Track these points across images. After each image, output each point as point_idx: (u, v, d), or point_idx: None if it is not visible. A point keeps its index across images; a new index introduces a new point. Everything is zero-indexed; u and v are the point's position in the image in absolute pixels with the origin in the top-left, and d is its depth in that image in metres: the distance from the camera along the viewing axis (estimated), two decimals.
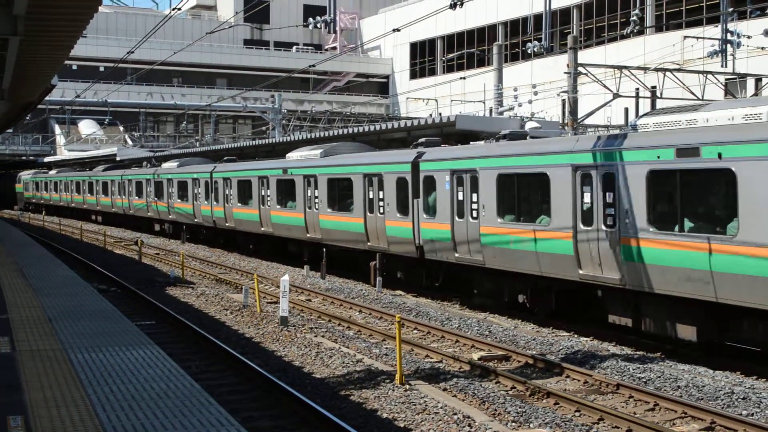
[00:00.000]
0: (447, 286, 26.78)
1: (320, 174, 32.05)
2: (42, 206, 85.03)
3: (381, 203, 28.18)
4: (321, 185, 31.90)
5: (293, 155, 35.95)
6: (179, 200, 47.62)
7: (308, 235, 33.17)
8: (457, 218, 24.48)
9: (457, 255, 24.51)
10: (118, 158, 69.23)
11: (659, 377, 15.95)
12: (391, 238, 27.56)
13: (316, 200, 32.19)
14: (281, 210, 35.44)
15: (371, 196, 28.83)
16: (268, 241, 38.61)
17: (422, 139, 28.53)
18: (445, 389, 15.26)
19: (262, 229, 37.40)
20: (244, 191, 39.14)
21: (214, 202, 42.24)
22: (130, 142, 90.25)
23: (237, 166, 41.53)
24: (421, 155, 26.30)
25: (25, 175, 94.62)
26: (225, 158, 44.95)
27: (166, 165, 51.68)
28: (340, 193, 31.14)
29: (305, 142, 41.39)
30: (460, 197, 24.36)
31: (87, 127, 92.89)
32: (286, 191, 35.11)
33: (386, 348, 19.14)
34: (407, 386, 15.27)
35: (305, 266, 32.79)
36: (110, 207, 62.40)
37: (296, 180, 33.89)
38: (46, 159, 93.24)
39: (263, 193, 36.84)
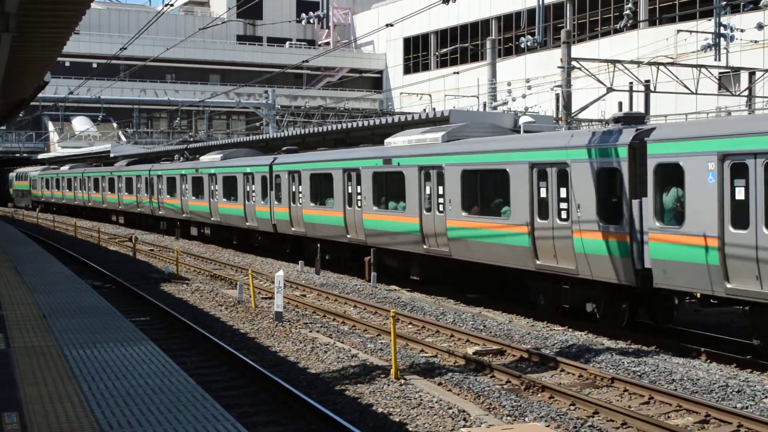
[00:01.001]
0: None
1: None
2: (53, 206, 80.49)
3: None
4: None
5: (396, 140, 28.25)
6: (225, 200, 40.34)
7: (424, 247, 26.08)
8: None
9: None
10: (111, 155, 68.99)
11: (654, 371, 15.97)
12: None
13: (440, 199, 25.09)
14: (382, 212, 27.95)
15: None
16: (359, 251, 30.21)
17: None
18: (440, 384, 15.27)
19: (349, 236, 30.13)
20: (323, 187, 31.95)
21: (276, 202, 35.21)
22: (123, 138, 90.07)
23: (309, 156, 33.91)
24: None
25: (33, 171, 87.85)
26: (285, 148, 37.86)
27: (206, 158, 44.30)
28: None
29: (418, 123, 32.15)
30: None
31: (80, 123, 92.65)
32: (389, 187, 27.97)
33: (381, 343, 19.15)
34: (402, 381, 15.28)
35: (299, 262, 32.78)
36: (135, 206, 55.49)
37: (406, 173, 26.45)
38: (40, 156, 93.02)
39: (350, 191, 30.01)
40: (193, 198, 44.33)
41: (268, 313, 22.69)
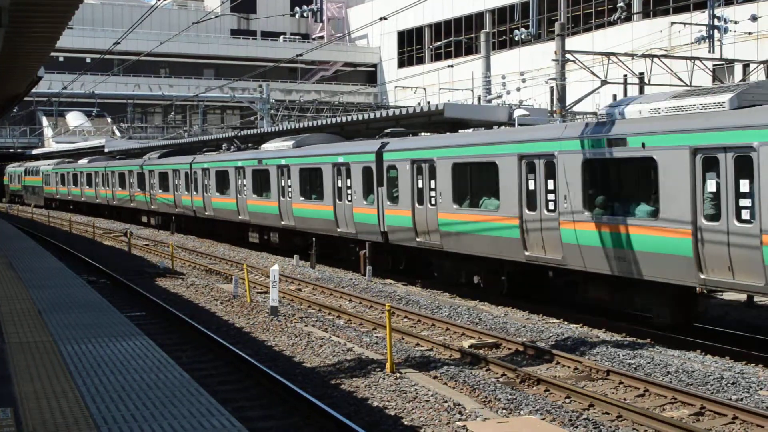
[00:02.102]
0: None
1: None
2: (70, 204, 73.11)
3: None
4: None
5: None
6: (303, 198, 32.70)
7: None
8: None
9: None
10: (106, 150, 68.87)
11: (649, 363, 16.00)
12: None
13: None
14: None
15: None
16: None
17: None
18: (435, 377, 15.28)
19: (528, 253, 21.49)
20: (478, 184, 23.94)
21: (388, 203, 27.24)
22: (118, 133, 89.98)
23: (446, 140, 25.66)
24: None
25: (46, 165, 79.06)
26: (389, 130, 30.32)
27: (270, 146, 36.84)
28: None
29: None
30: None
31: (75, 118, 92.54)
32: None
33: (377, 337, 19.15)
34: (398, 374, 15.29)
35: (295, 256, 32.78)
36: (172, 207, 47.52)
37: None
38: (35, 151, 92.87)
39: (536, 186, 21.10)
40: (254, 196, 36.85)
41: (264, 307, 22.69)
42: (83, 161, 68.52)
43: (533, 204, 21.18)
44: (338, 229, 30.27)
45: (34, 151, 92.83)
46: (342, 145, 31.77)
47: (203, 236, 44.45)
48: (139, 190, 52.87)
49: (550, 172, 20.59)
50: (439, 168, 24.76)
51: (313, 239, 32.05)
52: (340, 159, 29.87)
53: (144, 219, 55.39)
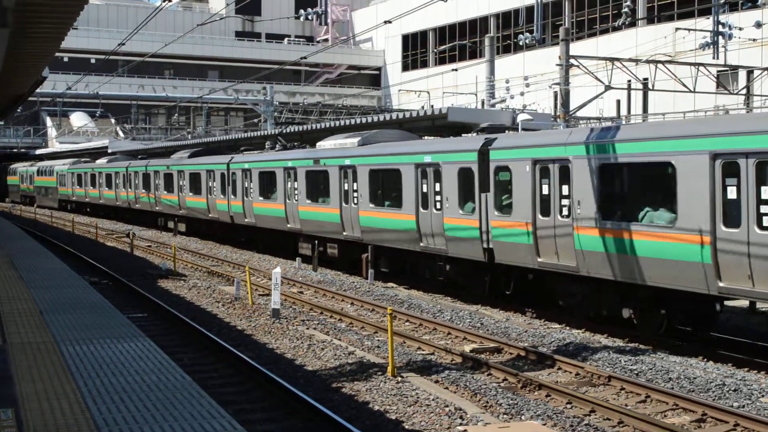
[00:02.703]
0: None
1: None
2: (87, 206, 69.24)
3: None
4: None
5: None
6: (373, 206, 28.15)
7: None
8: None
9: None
10: (109, 150, 68.90)
11: (651, 369, 15.98)
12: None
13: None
14: None
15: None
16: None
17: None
18: (436, 381, 15.27)
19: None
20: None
21: (495, 212, 22.41)
22: (121, 134, 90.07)
23: (581, 134, 20.25)
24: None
25: (61, 165, 74.41)
26: (486, 124, 26.26)
27: (327, 143, 32.51)
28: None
29: None
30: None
31: (78, 119, 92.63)
32: None
33: (378, 340, 19.14)
34: (399, 378, 15.28)
35: (297, 258, 32.78)
36: (204, 212, 42.88)
37: None
38: (38, 151, 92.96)
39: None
40: (308, 202, 32.51)
41: (266, 309, 22.69)
42: (102, 161, 63.99)
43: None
44: (421, 244, 25.39)
45: (38, 151, 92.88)
46: (427, 142, 28.16)
47: (241, 246, 39.95)
48: (165, 192, 48.32)
49: None
50: (575, 170, 19.66)
51: (364, 250, 28.88)
52: (427, 159, 25.05)
53: (170, 224, 49.91)
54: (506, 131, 26.08)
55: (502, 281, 23.44)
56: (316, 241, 32.05)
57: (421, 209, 25.54)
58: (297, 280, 28.56)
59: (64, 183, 72.60)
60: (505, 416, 13.23)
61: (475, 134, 25.71)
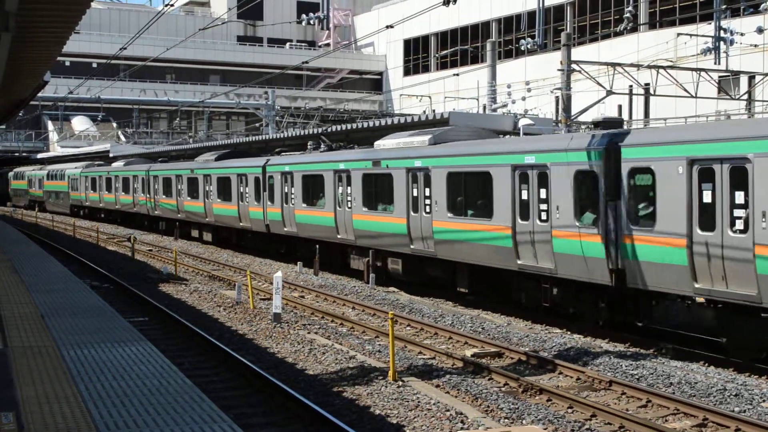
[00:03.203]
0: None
1: None
2: (101, 212, 65.14)
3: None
4: None
5: None
6: (452, 215, 24.28)
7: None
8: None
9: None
10: (111, 155, 68.89)
11: (652, 374, 15.97)
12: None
13: None
14: None
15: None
16: None
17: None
18: (438, 386, 15.27)
19: None
20: None
21: (631, 226, 18.66)
22: (123, 138, 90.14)
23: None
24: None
25: (73, 168, 70.09)
26: (600, 119, 23.04)
27: (389, 141, 28.50)
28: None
29: None
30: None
31: (80, 123, 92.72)
32: None
33: (379, 345, 19.14)
34: (400, 383, 15.27)
35: (298, 263, 32.77)
36: (235, 219, 38.98)
37: None
38: (39, 155, 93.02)
39: None
40: (365, 210, 28.69)
41: (267, 314, 22.68)
42: (118, 164, 60.19)
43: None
44: (519, 262, 21.72)
45: (39, 155, 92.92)
46: (525, 139, 24.64)
47: (279, 258, 36.61)
48: (190, 198, 44.54)
49: None
50: (758, 171, 15.81)
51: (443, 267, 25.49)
52: (529, 159, 21.33)
53: (195, 233, 45.84)
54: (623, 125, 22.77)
55: (630, 308, 19.70)
56: (371, 254, 28.59)
57: (519, 220, 21.69)
58: (298, 284, 28.55)
59: (77, 187, 68.61)
60: (506, 421, 13.22)
61: (586, 129, 23.81)
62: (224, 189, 40.08)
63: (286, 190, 34.04)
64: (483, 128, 27.72)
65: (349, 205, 29.44)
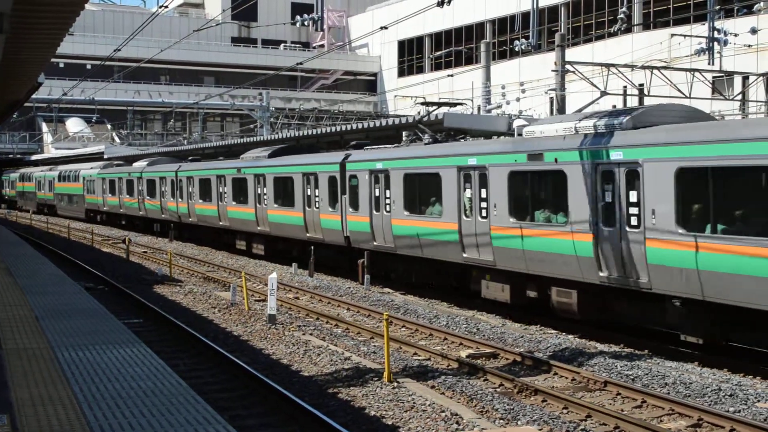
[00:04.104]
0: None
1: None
2: (121, 218, 58.67)
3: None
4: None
5: None
6: (684, 231, 16.82)
7: None
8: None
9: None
10: (105, 156, 68.72)
11: (647, 374, 15.98)
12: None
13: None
14: None
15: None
16: None
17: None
18: (433, 387, 15.26)
19: None
20: None
21: None
22: (117, 140, 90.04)
23: None
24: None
25: (88, 169, 64.45)
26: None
27: (547, 126, 21.15)
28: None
29: None
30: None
31: (74, 125, 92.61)
32: None
33: (374, 346, 19.13)
34: (395, 384, 15.27)
35: (293, 264, 32.74)
36: (299, 230, 32.49)
37: None
38: (34, 157, 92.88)
39: None
40: (512, 220, 21.49)
41: (262, 315, 22.67)
42: (141, 164, 54.28)
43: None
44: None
45: (33, 157, 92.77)
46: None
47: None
48: (235, 203, 38.34)
49: None
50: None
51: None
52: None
53: (240, 244, 39.17)
54: None
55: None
56: (513, 280, 22.09)
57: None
58: (293, 285, 28.53)
59: (93, 190, 62.49)
60: (501, 421, 13.23)
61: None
62: (284, 192, 33.86)
63: (377, 194, 27.57)
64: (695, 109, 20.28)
65: (483, 215, 22.48)
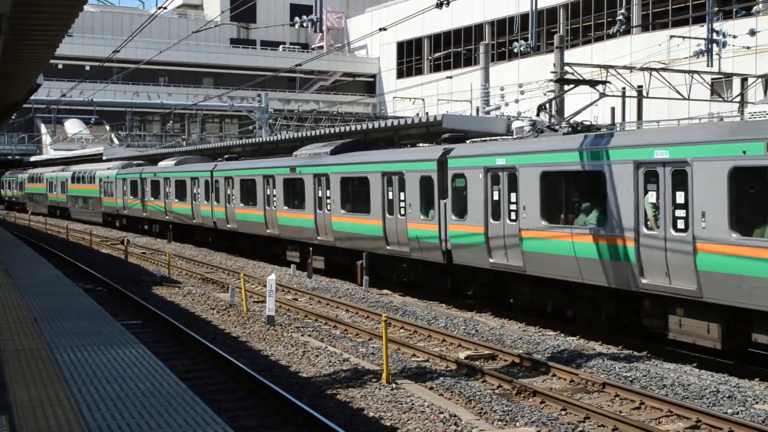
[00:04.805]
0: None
1: None
2: (144, 223, 53.75)
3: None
4: None
5: None
6: None
7: None
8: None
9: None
10: (104, 158, 68.65)
11: (645, 376, 15.99)
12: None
13: None
14: None
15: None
16: None
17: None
18: (431, 388, 15.27)
19: None
20: None
21: None
22: (116, 141, 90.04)
23: None
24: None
25: (105, 170, 59.78)
26: None
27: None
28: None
29: None
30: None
31: (73, 126, 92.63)
32: None
33: (373, 347, 19.13)
34: (394, 385, 15.27)
35: (291, 265, 32.73)
36: (377, 240, 27.46)
37: None
38: (32, 158, 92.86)
39: None
40: (734, 236, 15.95)
41: (260, 316, 22.67)
42: (167, 163, 49.59)
43: None
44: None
45: (32, 158, 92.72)
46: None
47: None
48: (288, 208, 33.19)
49: None
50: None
51: None
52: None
53: (292, 255, 33.79)
54: None
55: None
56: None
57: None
58: (292, 287, 28.53)
59: (111, 192, 57.65)
60: (499, 423, 13.23)
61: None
62: (355, 195, 28.93)
63: (497, 197, 22.25)
64: None
65: (684, 227, 17.05)
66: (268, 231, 35.17)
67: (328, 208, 30.25)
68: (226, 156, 44.57)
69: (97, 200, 61.45)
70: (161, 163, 50.68)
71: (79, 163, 74.93)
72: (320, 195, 30.79)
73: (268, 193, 34.57)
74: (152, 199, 49.56)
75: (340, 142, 32.16)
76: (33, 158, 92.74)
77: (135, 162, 58.78)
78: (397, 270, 27.68)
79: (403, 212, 26.01)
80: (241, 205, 37.22)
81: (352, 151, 30.44)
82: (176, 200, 45.70)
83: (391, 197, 26.68)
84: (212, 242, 43.25)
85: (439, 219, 24.33)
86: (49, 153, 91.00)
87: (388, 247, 26.96)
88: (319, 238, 31.14)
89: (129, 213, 54.98)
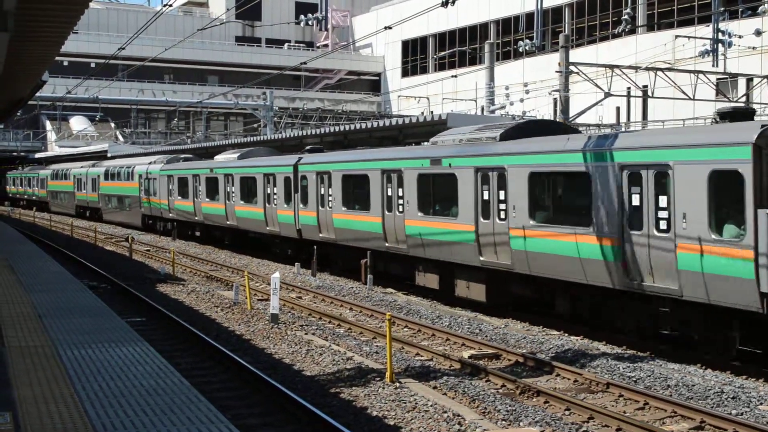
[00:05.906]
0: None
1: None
2: (195, 227, 45.37)
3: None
4: None
5: None
6: None
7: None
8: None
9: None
10: (109, 155, 68.71)
11: (649, 376, 15.96)
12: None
13: None
14: None
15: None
16: None
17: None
18: (435, 387, 15.25)
19: None
20: None
21: None
22: (121, 138, 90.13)
23: None
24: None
25: (142, 165, 51.96)
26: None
27: None
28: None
29: None
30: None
31: (78, 123, 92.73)
32: None
33: (377, 346, 19.12)
34: (397, 384, 15.26)
35: (296, 263, 32.73)
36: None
37: None
38: (38, 155, 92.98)
39: None
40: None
41: (264, 314, 22.67)
42: (227, 156, 41.40)
43: None
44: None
45: (37, 155, 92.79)
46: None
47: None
48: (423, 213, 24.87)
49: None
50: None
51: None
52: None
53: (428, 280, 25.49)
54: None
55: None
56: None
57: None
58: (296, 285, 28.53)
59: (153, 191, 49.66)
60: (503, 422, 13.22)
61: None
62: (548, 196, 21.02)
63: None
64: None
65: None
66: (386, 244, 27.09)
67: (498, 215, 21.94)
68: (307, 147, 36.08)
69: (136, 200, 53.21)
70: (218, 157, 42.27)
71: (82, 160, 74.76)
72: (487, 197, 22.30)
73: (389, 194, 26.79)
74: (208, 200, 41.31)
75: (515, 126, 23.22)
76: (38, 155, 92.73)
77: (182, 156, 50.68)
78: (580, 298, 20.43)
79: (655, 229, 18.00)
80: (344, 209, 29.43)
81: (525, 137, 22.06)
82: (242, 202, 37.51)
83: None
84: (292, 255, 34.69)
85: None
86: (54, 150, 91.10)
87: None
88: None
89: (175, 216, 46.79)
